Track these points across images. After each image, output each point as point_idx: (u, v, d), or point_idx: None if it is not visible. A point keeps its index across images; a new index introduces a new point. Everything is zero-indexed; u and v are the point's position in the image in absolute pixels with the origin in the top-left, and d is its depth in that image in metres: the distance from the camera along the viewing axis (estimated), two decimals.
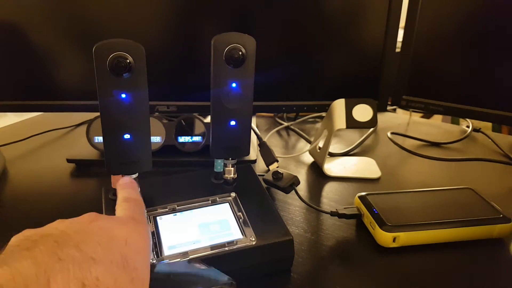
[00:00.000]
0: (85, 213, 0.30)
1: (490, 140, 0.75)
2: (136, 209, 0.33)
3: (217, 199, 0.44)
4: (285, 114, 0.91)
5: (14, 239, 0.25)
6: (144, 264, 0.28)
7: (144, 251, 0.29)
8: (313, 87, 0.68)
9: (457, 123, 1.08)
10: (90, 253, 0.24)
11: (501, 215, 0.46)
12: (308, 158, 0.69)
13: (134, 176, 0.42)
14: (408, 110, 0.87)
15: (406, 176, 0.64)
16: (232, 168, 0.46)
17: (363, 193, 0.50)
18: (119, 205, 0.33)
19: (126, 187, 0.36)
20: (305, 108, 0.69)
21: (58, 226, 0.27)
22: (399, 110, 1.01)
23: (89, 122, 0.64)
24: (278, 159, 0.60)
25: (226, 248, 0.38)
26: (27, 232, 0.26)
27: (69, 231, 0.26)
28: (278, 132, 0.83)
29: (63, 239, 0.25)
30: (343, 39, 0.65)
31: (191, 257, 0.37)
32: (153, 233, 0.39)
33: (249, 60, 0.41)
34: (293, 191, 0.52)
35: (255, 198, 0.45)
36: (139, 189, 0.40)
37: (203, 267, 0.33)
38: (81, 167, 0.65)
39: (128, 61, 0.36)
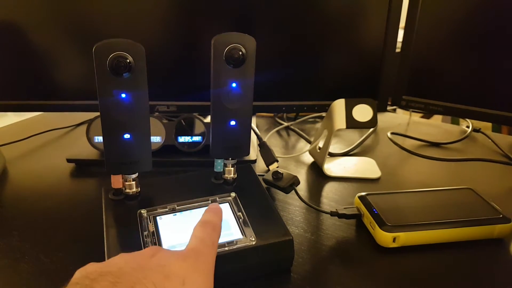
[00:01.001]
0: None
1: (490, 140, 0.75)
2: (212, 234, 0.33)
3: (217, 199, 0.44)
4: (285, 114, 0.91)
5: (77, 274, 0.26)
6: None
7: None
8: (313, 87, 0.68)
9: (457, 123, 1.08)
10: None
11: (501, 215, 0.46)
12: (308, 158, 0.69)
13: (134, 176, 0.43)
14: (408, 110, 0.87)
15: (406, 176, 0.64)
16: (232, 168, 0.46)
17: (363, 193, 0.50)
18: (195, 228, 0.34)
19: (210, 211, 0.36)
20: (305, 108, 0.69)
21: (118, 261, 0.27)
22: (399, 110, 1.01)
23: (89, 122, 0.64)
24: (278, 159, 0.60)
25: (226, 248, 0.38)
26: (90, 267, 0.26)
27: (127, 268, 0.26)
28: (278, 132, 0.83)
29: (119, 279, 0.25)
30: (343, 39, 0.65)
31: None
32: (153, 233, 0.39)
33: (249, 60, 0.41)
34: (293, 191, 0.52)
35: (255, 198, 0.45)
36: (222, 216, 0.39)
37: None
38: (81, 167, 0.65)
39: (128, 61, 0.36)
